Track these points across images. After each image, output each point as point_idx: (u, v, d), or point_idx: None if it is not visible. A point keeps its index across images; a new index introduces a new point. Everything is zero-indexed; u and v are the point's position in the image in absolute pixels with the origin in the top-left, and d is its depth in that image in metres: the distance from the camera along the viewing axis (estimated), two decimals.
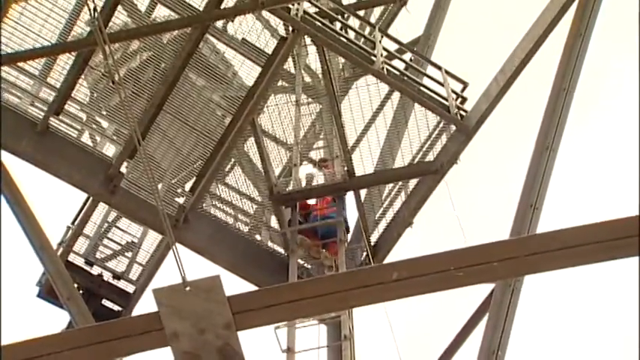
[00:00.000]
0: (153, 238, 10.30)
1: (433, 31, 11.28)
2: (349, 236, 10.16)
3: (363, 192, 9.92)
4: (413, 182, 9.78)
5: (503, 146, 14.04)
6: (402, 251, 9.85)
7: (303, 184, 9.53)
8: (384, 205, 10.02)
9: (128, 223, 10.30)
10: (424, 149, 9.66)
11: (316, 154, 10.40)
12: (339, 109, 9.33)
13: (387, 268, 4.52)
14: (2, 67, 7.99)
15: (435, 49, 11.18)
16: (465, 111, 9.48)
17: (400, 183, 9.91)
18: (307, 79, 10.31)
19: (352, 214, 10.09)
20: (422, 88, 9.40)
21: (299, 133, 9.87)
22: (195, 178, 9.42)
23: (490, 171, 14.66)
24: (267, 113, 9.80)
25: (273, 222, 9.99)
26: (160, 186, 9.16)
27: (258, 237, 9.99)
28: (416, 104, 9.45)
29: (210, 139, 9.18)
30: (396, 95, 9.68)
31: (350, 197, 9.90)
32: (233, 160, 9.87)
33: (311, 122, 10.30)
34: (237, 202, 9.97)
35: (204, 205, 9.63)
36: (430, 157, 9.60)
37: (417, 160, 9.68)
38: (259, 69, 8.91)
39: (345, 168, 9.56)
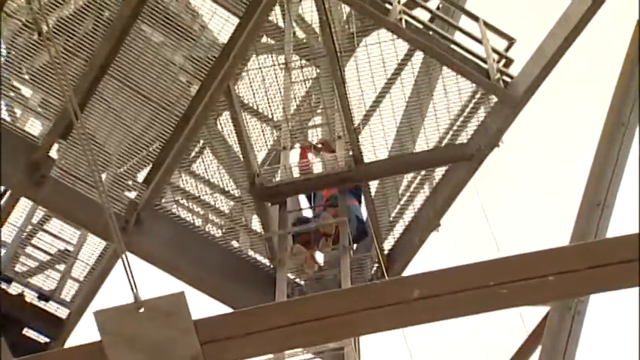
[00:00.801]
0: (93, 246, 10.27)
1: None
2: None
3: (373, 184, 9.96)
4: (440, 172, 9.85)
5: (561, 123, 14.06)
6: (423, 262, 9.97)
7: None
8: (402, 202, 10.06)
9: (60, 226, 10.25)
10: (455, 128, 9.69)
11: (312, 135, 10.41)
12: (343, 75, 9.34)
13: (405, 284, 4.55)
14: None
15: None
16: (511, 76, 9.48)
17: (423, 172, 9.97)
18: (300, 34, 10.33)
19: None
20: (452, 46, 9.42)
21: (289, 107, 9.96)
22: (150, 165, 9.46)
23: (542, 156, 14.65)
24: (246, 80, 9.86)
25: (255, 224, 10.08)
26: (104, 176, 9.20)
27: (234, 243, 10.09)
28: (444, 67, 9.45)
29: (172, 113, 9.24)
30: (419, 56, 9.65)
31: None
32: (202, 141, 9.93)
33: (305, 92, 10.32)
34: (207, 197, 10.01)
35: (162, 201, 9.71)
36: (463, 139, 9.61)
37: (445, 142, 9.72)
38: (236, 20, 8.94)
39: (351, 152, 9.62)
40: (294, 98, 10.13)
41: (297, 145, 10.28)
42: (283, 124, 9.91)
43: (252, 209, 10.00)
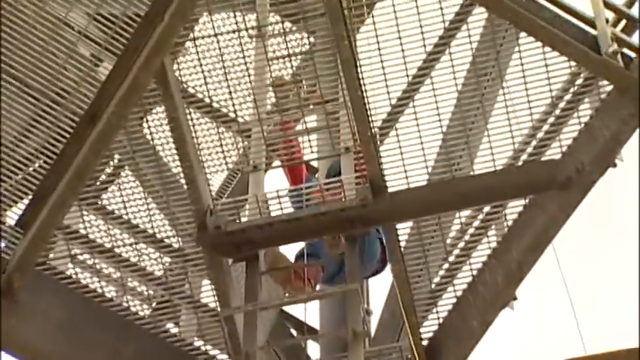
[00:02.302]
0: None
1: None
2: (374, 323, 10.64)
3: (404, 228, 9.58)
4: (515, 207, 9.42)
5: None
6: (482, 351, 9.86)
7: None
8: (452, 259, 9.71)
9: None
10: (541, 135, 9.37)
11: (302, 144, 9.94)
12: (354, 48, 8.85)
13: None
14: None
15: None
16: (636, 50, 9.09)
17: (487, 209, 9.61)
18: None
19: (382, 277, 10.36)
20: None
21: (265, 99, 9.68)
22: (30, 197, 9.34)
23: None
24: (193, 55, 9.60)
25: (207, 293, 9.84)
26: None
27: (171, 327, 9.94)
28: (523, 34, 9.12)
29: (67, 110, 9.24)
30: (479, 15, 9.30)
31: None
32: (118, 157, 9.85)
33: (291, 75, 9.86)
34: (125, 249, 9.78)
35: (51, 256, 9.64)
36: (555, 152, 9.19)
37: (524, 157, 9.38)
38: None
39: (366, 175, 9.16)
40: (273, 85, 9.76)
41: (276, 161, 10.26)
42: (254, 128, 9.50)
43: (202, 269, 9.66)
